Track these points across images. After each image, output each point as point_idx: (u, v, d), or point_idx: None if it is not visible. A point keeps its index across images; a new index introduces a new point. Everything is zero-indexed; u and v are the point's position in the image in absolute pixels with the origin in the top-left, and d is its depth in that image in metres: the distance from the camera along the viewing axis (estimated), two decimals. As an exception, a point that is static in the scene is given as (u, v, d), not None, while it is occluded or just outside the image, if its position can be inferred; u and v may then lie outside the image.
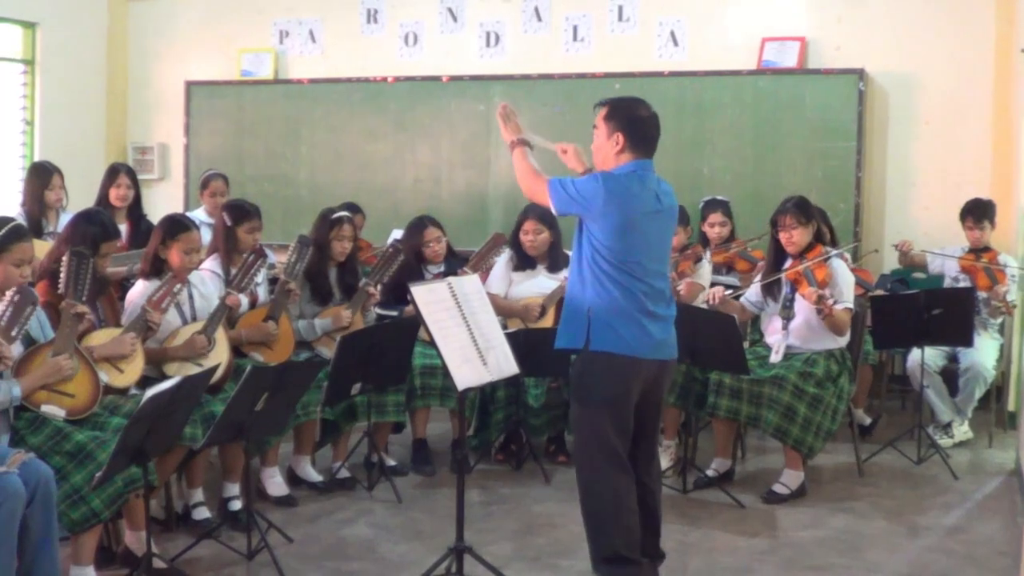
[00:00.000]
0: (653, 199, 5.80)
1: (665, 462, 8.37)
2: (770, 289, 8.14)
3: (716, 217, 9.59)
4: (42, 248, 7.07)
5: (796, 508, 7.74)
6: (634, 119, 5.84)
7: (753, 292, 8.33)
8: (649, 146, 5.87)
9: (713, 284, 8.74)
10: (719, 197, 9.90)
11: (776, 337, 8.08)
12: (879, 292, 9.40)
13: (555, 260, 8.82)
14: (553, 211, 5.92)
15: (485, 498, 7.93)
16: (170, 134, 13.36)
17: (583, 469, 5.97)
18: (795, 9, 11.24)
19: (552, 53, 11.94)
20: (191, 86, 13.14)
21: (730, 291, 8.43)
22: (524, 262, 8.83)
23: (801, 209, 8.00)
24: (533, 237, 8.72)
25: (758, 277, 8.35)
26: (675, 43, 11.59)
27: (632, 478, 5.90)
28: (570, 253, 8.40)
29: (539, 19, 12.03)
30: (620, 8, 11.75)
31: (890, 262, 10.70)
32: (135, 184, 9.38)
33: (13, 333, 5.57)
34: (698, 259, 8.81)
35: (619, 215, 5.69)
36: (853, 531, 7.32)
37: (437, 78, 12.23)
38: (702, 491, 7.99)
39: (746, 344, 8.23)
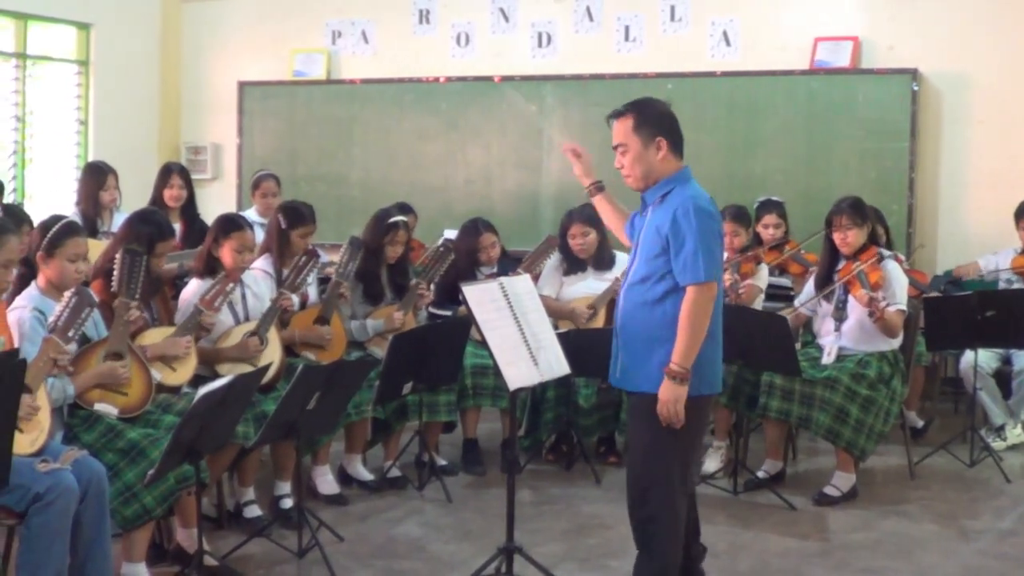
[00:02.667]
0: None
1: (716, 463, 8.37)
2: (822, 291, 8.11)
3: (771, 218, 9.53)
4: (96, 248, 7.12)
5: (847, 510, 7.70)
6: (666, 118, 5.59)
7: (805, 294, 8.30)
8: (682, 141, 5.65)
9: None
10: (774, 198, 9.85)
11: (828, 338, 8.05)
12: (934, 294, 9.34)
13: (603, 260, 8.80)
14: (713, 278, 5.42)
15: (535, 498, 7.93)
16: (223, 134, 13.41)
17: (657, 499, 5.60)
18: (848, 8, 11.19)
19: (604, 53, 11.93)
20: (244, 86, 13.19)
21: (786, 307, 8.42)
22: (574, 265, 8.82)
23: (856, 210, 7.96)
24: (581, 240, 8.70)
25: (811, 282, 8.31)
26: (727, 43, 11.56)
27: None
28: (618, 253, 8.46)
29: (591, 19, 12.02)
30: (672, 8, 11.72)
31: (943, 263, 10.64)
32: (188, 184, 9.43)
33: (70, 334, 5.60)
34: (759, 261, 8.75)
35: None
36: (904, 534, 7.28)
37: (489, 78, 12.24)
38: (753, 493, 7.96)
39: (798, 345, 8.19)
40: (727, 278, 8.36)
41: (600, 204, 6.11)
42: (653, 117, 5.54)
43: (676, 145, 5.57)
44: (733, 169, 11.23)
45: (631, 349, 5.58)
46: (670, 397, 5.33)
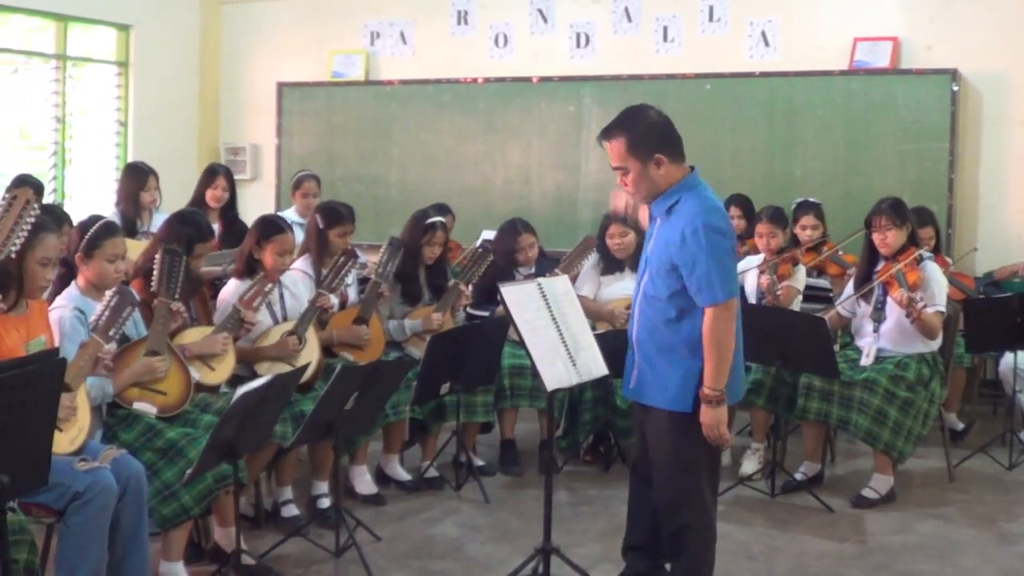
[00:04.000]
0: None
1: (753, 465, 8.34)
2: (861, 292, 8.08)
3: (808, 220, 9.48)
4: (136, 248, 7.15)
5: (885, 513, 7.68)
6: (659, 131, 5.41)
7: (844, 295, 8.28)
8: (682, 146, 5.47)
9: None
10: (811, 199, 9.81)
11: (867, 340, 8.03)
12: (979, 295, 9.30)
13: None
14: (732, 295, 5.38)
15: (573, 499, 7.93)
16: (262, 135, 13.47)
17: (689, 509, 5.61)
18: (887, 9, 11.14)
19: (642, 54, 11.93)
20: (283, 87, 13.25)
21: (825, 309, 8.40)
22: (612, 265, 8.80)
23: (896, 210, 7.93)
24: (620, 240, 8.67)
25: (850, 283, 8.28)
26: (766, 43, 11.54)
27: None
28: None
29: (629, 20, 12.01)
30: (711, 8, 11.71)
31: (983, 264, 10.59)
32: (231, 186, 9.46)
33: (111, 333, 5.63)
34: (795, 262, 8.71)
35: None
36: (943, 537, 7.26)
37: (527, 79, 12.25)
38: (790, 495, 7.94)
39: (836, 347, 8.16)
40: (764, 280, 8.35)
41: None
42: (645, 135, 5.39)
43: (675, 153, 5.42)
44: (772, 170, 11.22)
45: (649, 364, 5.57)
46: (711, 421, 5.32)
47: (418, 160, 12.71)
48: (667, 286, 5.40)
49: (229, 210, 9.43)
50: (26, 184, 6.22)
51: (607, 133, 5.45)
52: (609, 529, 7.30)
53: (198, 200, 9.32)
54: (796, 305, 8.57)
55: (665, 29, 11.89)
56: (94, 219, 6.26)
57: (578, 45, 12.24)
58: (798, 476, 8.10)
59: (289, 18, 13.38)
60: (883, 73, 11.03)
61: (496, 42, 12.54)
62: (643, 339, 5.58)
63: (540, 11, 12.34)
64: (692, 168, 5.50)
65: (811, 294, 8.97)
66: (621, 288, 8.71)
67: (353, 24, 13.08)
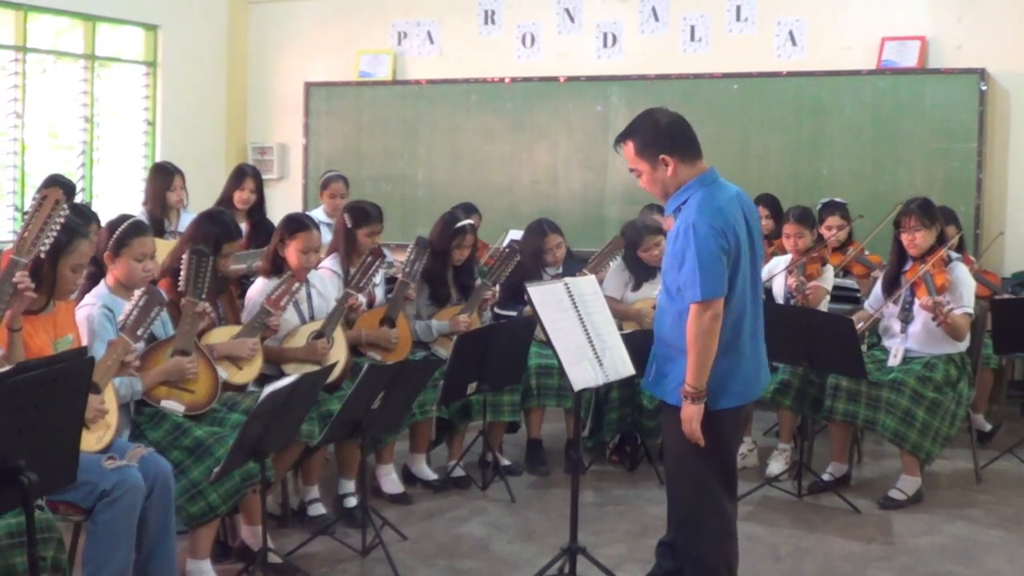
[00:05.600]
0: (743, 221, 5.42)
1: (780, 466, 8.33)
2: (890, 292, 8.06)
3: (834, 220, 9.46)
4: (164, 247, 7.17)
5: (912, 514, 7.66)
6: (665, 132, 5.38)
7: (874, 296, 8.26)
8: (696, 147, 5.42)
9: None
10: (837, 199, 9.79)
11: (895, 340, 8.01)
12: (1005, 296, 9.27)
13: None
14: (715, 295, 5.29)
15: (599, 499, 7.93)
16: (289, 134, 13.51)
17: (689, 506, 5.65)
18: (915, 8, 11.12)
19: (669, 53, 11.92)
20: (310, 87, 13.29)
21: (852, 309, 8.38)
22: (643, 274, 8.77)
23: (925, 211, 7.90)
24: (656, 251, 8.62)
25: (878, 283, 8.26)
26: (794, 43, 11.52)
27: None
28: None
29: (656, 19, 12.01)
30: (738, 8, 11.70)
31: (1011, 264, 10.56)
32: (259, 188, 9.46)
33: (139, 332, 5.65)
34: (824, 262, 8.69)
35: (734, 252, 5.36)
36: (970, 539, 7.24)
37: (554, 79, 12.26)
38: (817, 495, 7.92)
39: (864, 347, 8.14)
40: (792, 280, 8.34)
41: None
42: (651, 137, 5.37)
43: (687, 153, 5.37)
44: (799, 170, 11.21)
45: (659, 358, 5.57)
46: (686, 417, 5.31)
47: (445, 160, 12.73)
48: (673, 282, 5.39)
49: (257, 211, 9.44)
50: (57, 184, 6.23)
51: (620, 138, 5.47)
52: (635, 529, 7.30)
53: (225, 201, 9.33)
54: (824, 305, 8.55)
55: (692, 28, 11.88)
56: (123, 218, 6.27)
57: (605, 45, 12.24)
58: (825, 477, 8.08)
59: (317, 18, 13.42)
60: (911, 72, 11.00)
61: (523, 42, 12.55)
62: (656, 333, 5.60)
63: (567, 11, 12.34)
64: (710, 168, 5.46)
65: (838, 294, 8.97)
66: (649, 288, 8.69)
67: (380, 24, 13.11)
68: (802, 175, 11.20)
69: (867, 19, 11.23)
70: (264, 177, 9.76)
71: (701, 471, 5.47)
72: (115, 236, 6.07)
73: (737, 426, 5.58)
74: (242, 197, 9.33)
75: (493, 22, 12.67)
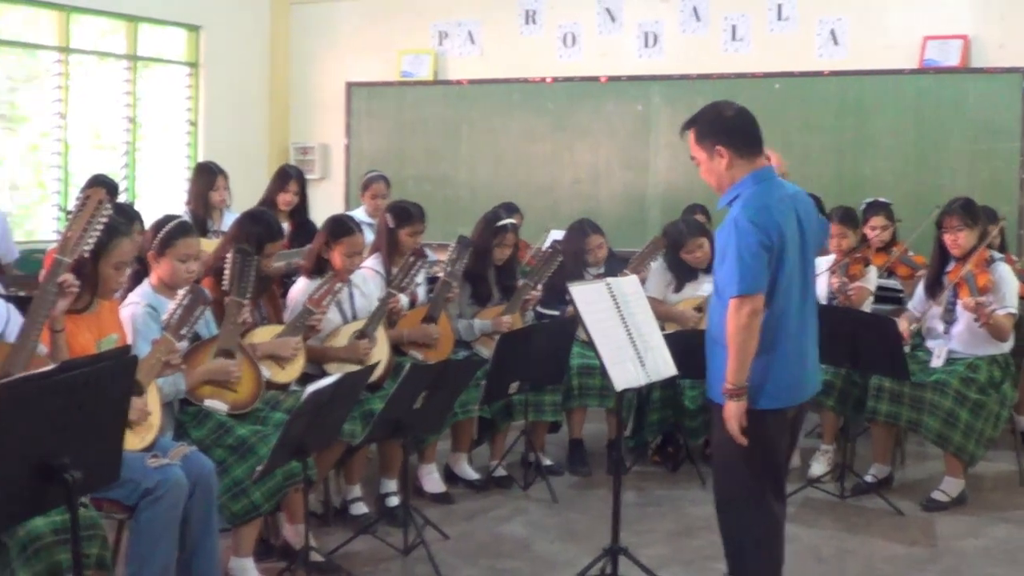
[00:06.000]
0: (794, 220, 5.38)
1: (823, 467, 8.30)
2: (932, 293, 8.02)
3: (878, 220, 9.42)
4: (207, 247, 7.19)
5: (956, 516, 7.62)
6: (725, 124, 5.39)
7: (916, 297, 8.22)
8: (755, 143, 5.41)
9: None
10: (881, 199, 9.74)
11: (938, 341, 7.97)
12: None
13: (713, 262, 8.72)
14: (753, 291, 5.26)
15: (641, 499, 7.92)
16: (331, 134, 13.56)
17: (734, 510, 5.64)
18: (957, 7, 11.05)
19: (711, 53, 11.89)
20: (352, 87, 13.33)
21: (896, 310, 8.34)
22: (686, 276, 8.75)
23: (968, 211, 7.87)
24: (699, 252, 8.61)
25: (921, 284, 8.23)
26: (835, 42, 11.47)
27: None
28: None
29: (698, 19, 11.99)
30: (779, 7, 11.66)
31: (1055, 265, 10.51)
32: (303, 190, 9.48)
33: (183, 331, 5.67)
34: (867, 263, 8.65)
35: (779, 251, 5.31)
36: (1014, 541, 7.19)
37: (595, 78, 12.25)
38: (860, 497, 7.89)
39: (907, 348, 8.10)
40: (835, 281, 8.31)
41: None
42: (711, 127, 5.38)
43: (744, 148, 5.36)
44: (842, 170, 11.17)
45: (710, 356, 5.54)
46: (726, 415, 5.29)
47: (486, 159, 12.75)
48: (718, 280, 5.39)
49: (299, 212, 9.46)
50: (100, 184, 6.26)
51: (685, 125, 5.48)
52: (677, 530, 7.29)
53: (268, 202, 9.35)
54: (867, 306, 8.51)
55: (734, 28, 11.86)
56: (168, 218, 6.30)
57: (646, 44, 12.22)
58: (868, 478, 8.05)
59: (358, 18, 13.45)
60: (953, 72, 10.94)
61: (564, 42, 12.54)
62: (708, 332, 5.58)
63: (608, 10, 12.33)
64: (768, 165, 5.44)
65: (882, 295, 8.92)
66: (691, 289, 8.68)
67: (421, 24, 13.13)
68: (844, 175, 11.16)
69: (909, 18, 11.17)
70: (306, 177, 9.77)
71: (747, 472, 5.44)
72: (160, 236, 6.10)
73: (782, 429, 5.51)
74: (285, 199, 9.35)
75: (534, 22, 12.67)
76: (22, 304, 5.24)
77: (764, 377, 5.30)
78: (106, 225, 5.10)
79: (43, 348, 4.98)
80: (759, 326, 5.19)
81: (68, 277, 4.93)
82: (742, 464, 5.42)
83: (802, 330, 5.45)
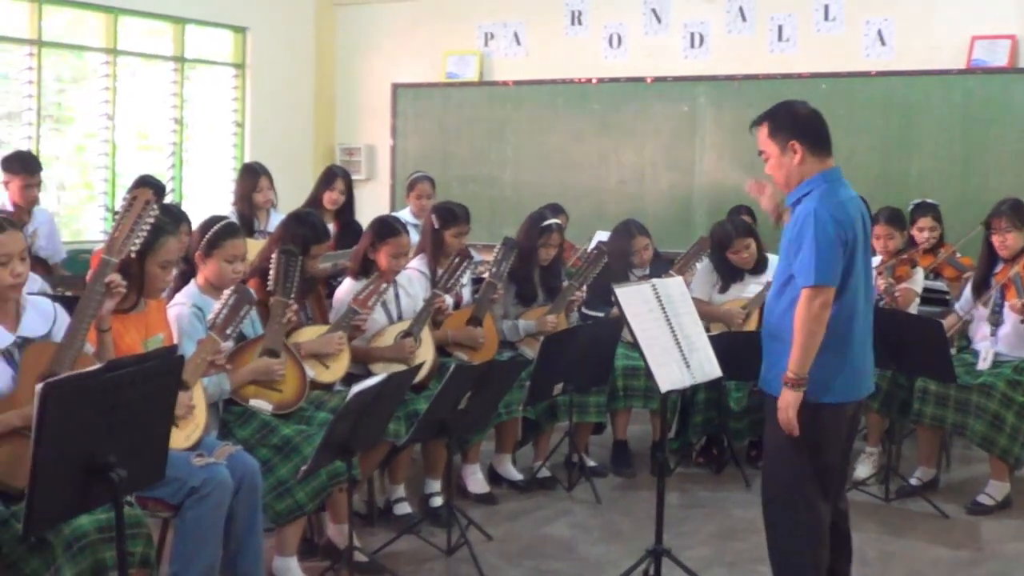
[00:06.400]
0: (860, 221, 5.44)
1: (868, 469, 8.27)
2: (979, 294, 7.98)
3: (926, 222, 9.37)
4: (253, 247, 7.23)
5: (1001, 520, 7.58)
6: (800, 119, 5.45)
7: (963, 299, 8.18)
8: (826, 143, 5.47)
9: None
10: (929, 200, 9.70)
11: (984, 343, 7.92)
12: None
13: (759, 263, 8.71)
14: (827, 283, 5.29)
15: (684, 501, 7.91)
16: (377, 135, 13.59)
17: (780, 505, 5.62)
18: (1005, 6, 10.97)
19: (757, 53, 11.86)
20: (397, 88, 13.36)
21: (943, 312, 8.31)
22: (731, 276, 8.74)
23: (1017, 212, 7.81)
24: (745, 253, 8.59)
25: (968, 286, 8.18)
26: (882, 42, 11.43)
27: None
28: (771, 256, 8.36)
29: (744, 19, 11.95)
30: (826, 7, 11.62)
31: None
32: (349, 189, 9.49)
33: (229, 331, 5.70)
34: (913, 264, 8.61)
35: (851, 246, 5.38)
36: (1061, 545, 7.16)
37: (641, 79, 12.24)
38: (905, 500, 7.86)
39: (953, 350, 8.06)
40: (881, 282, 8.26)
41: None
42: (785, 122, 5.43)
43: (816, 146, 5.41)
44: (888, 171, 11.12)
45: (766, 350, 5.55)
46: (783, 404, 5.29)
47: (532, 160, 12.75)
48: (784, 271, 5.41)
49: (345, 212, 9.48)
50: (147, 185, 6.29)
51: (756, 120, 5.53)
52: (721, 532, 7.28)
53: (315, 201, 9.38)
54: (913, 308, 8.47)
55: (780, 28, 11.82)
56: (216, 219, 6.34)
57: (692, 45, 12.20)
58: (913, 481, 8.01)
59: (403, 20, 13.48)
60: (1001, 72, 10.88)
61: (610, 42, 12.53)
62: (764, 327, 5.59)
63: (654, 11, 12.31)
64: (836, 166, 5.48)
65: (928, 296, 8.87)
66: (736, 290, 8.66)
67: (467, 25, 13.14)
68: (891, 176, 11.11)
69: (956, 18, 11.10)
70: (352, 178, 9.79)
71: (797, 468, 5.44)
72: (208, 237, 6.14)
73: (839, 424, 5.52)
74: (332, 198, 9.37)
75: (580, 23, 12.66)
76: (69, 304, 5.27)
77: (831, 372, 5.33)
78: (153, 225, 5.14)
79: (90, 347, 5.01)
80: (828, 319, 5.22)
81: (115, 277, 4.97)
82: (792, 460, 5.43)
83: (865, 329, 5.49)
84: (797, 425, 5.26)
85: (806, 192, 5.38)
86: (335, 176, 9.50)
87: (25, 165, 8.92)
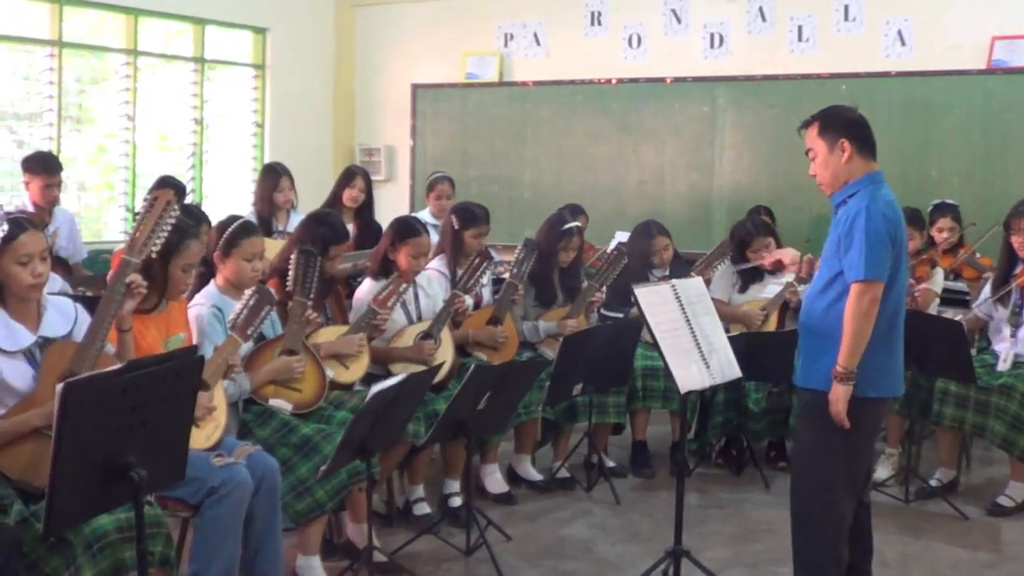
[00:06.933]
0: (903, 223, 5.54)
1: (887, 471, 8.27)
2: (999, 295, 7.96)
3: (945, 222, 9.37)
4: (273, 248, 7.24)
5: (1021, 522, 7.56)
6: (850, 121, 5.59)
7: (982, 300, 8.16)
8: (873, 146, 5.59)
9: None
10: (948, 201, 9.68)
11: (1004, 345, 7.90)
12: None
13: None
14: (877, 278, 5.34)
15: (704, 502, 7.91)
16: (396, 136, 13.59)
17: (814, 499, 5.64)
18: (1027, 6, 10.96)
19: (777, 54, 11.83)
20: (417, 89, 13.35)
21: (962, 312, 8.29)
22: (751, 277, 8.71)
23: (1037, 213, 7.82)
24: (767, 252, 8.55)
25: (987, 286, 8.16)
26: (902, 42, 11.39)
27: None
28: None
29: (763, 19, 11.93)
30: (846, 7, 11.59)
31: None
32: (368, 188, 9.54)
33: (249, 331, 5.73)
34: (933, 264, 8.60)
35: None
36: (1082, 546, 7.14)
37: (661, 80, 12.22)
38: (925, 501, 7.85)
39: (973, 351, 8.04)
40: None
41: None
42: (836, 121, 5.56)
43: (864, 148, 5.53)
44: (908, 171, 11.07)
45: (806, 347, 5.58)
46: (834, 397, 5.35)
47: (551, 161, 12.74)
48: (829, 268, 5.48)
49: (364, 212, 9.50)
50: (168, 186, 6.31)
51: (806, 121, 5.66)
52: (740, 533, 7.28)
53: (335, 200, 9.41)
54: (933, 308, 8.46)
55: (800, 28, 11.79)
56: (232, 219, 6.36)
57: (712, 45, 12.17)
58: (933, 482, 8.00)
59: (423, 20, 13.47)
60: (1022, 72, 10.83)
61: (629, 43, 12.52)
62: (804, 322, 5.63)
63: (673, 11, 12.30)
64: (880, 171, 5.55)
65: (948, 297, 8.85)
66: (757, 289, 8.64)
67: (487, 26, 13.14)
68: (911, 177, 11.06)
69: (977, 18, 11.06)
70: (372, 178, 9.81)
71: (827, 468, 5.48)
72: (225, 236, 6.16)
73: (877, 420, 5.61)
74: (352, 195, 9.40)
75: (599, 23, 12.65)
76: (90, 304, 5.29)
77: (877, 369, 5.41)
78: (176, 227, 5.18)
79: (111, 347, 5.03)
80: (875, 315, 5.30)
81: (136, 278, 4.99)
82: (826, 458, 5.49)
83: (902, 330, 5.58)
84: (847, 419, 5.32)
85: (852, 193, 5.47)
86: (354, 174, 9.54)
87: (45, 165, 8.94)
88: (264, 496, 5.51)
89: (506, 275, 8.08)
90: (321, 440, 5.94)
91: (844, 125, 5.54)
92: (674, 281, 6.13)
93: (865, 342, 5.29)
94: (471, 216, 8.11)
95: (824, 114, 5.62)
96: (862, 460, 5.63)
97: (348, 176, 9.55)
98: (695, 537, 6.87)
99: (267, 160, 12.13)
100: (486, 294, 8.35)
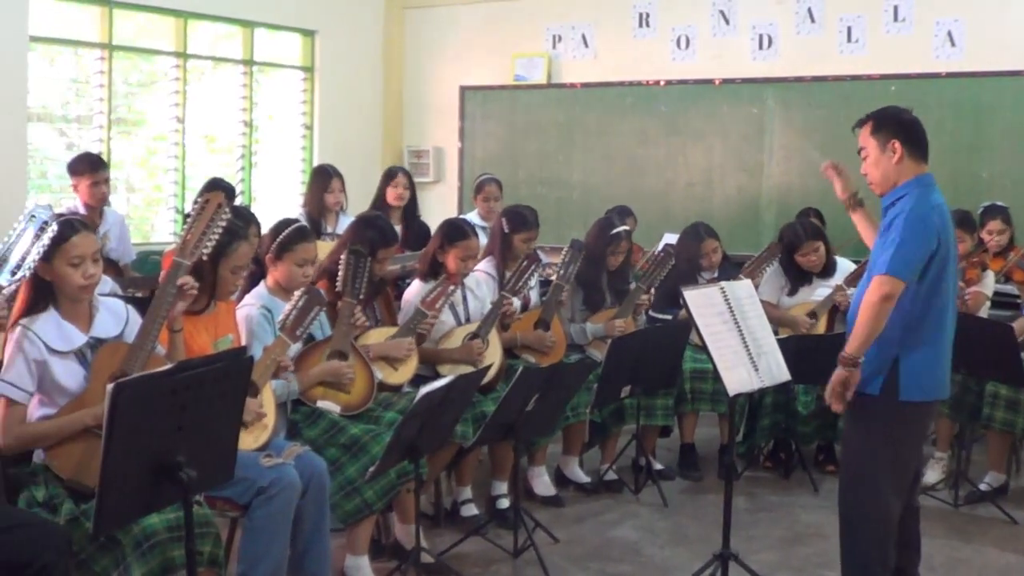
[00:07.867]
0: (950, 226, 5.53)
1: (937, 475, 8.22)
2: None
3: (995, 224, 9.30)
4: (322, 249, 7.26)
5: (1073, 525, 7.52)
6: (903, 122, 5.59)
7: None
8: (925, 149, 5.58)
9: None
10: (998, 203, 9.62)
11: (1056, 348, 7.86)
12: None
13: (827, 267, 8.66)
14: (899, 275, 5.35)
15: (752, 505, 7.89)
16: (445, 138, 13.61)
17: (858, 501, 5.65)
18: (1079, 6, 10.88)
19: (826, 55, 11.78)
20: (465, 91, 13.36)
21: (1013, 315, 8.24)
22: (800, 280, 8.68)
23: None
24: (814, 256, 8.53)
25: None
26: (952, 43, 11.33)
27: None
28: (840, 259, 8.32)
29: (812, 20, 11.89)
30: (895, 8, 11.54)
31: None
32: (411, 186, 9.56)
33: (298, 332, 5.75)
34: (984, 267, 8.55)
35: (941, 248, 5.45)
36: None
37: (709, 81, 12.19)
38: (974, 505, 7.81)
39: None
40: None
41: (858, 219, 6.06)
42: (889, 122, 5.56)
43: (915, 150, 5.53)
44: (958, 173, 11.00)
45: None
46: (834, 379, 5.41)
47: (600, 163, 12.73)
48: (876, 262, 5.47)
49: (410, 211, 9.53)
50: (218, 188, 6.34)
51: (860, 120, 5.67)
52: (788, 536, 7.26)
53: (380, 201, 9.43)
54: (984, 312, 8.40)
55: (849, 30, 11.75)
56: (287, 222, 6.38)
57: (760, 47, 12.14)
58: (982, 487, 7.96)
59: (471, 22, 13.49)
60: (1073, 73, 10.78)
61: (678, 44, 12.50)
62: (850, 325, 5.57)
63: (722, 12, 12.27)
64: (930, 174, 5.55)
65: (999, 300, 8.80)
66: (807, 292, 8.60)
67: (535, 28, 13.14)
68: (961, 179, 11.00)
69: (1028, 19, 11.02)
70: (420, 180, 9.86)
71: (875, 470, 5.48)
72: (279, 240, 6.19)
73: (924, 423, 5.64)
74: (396, 193, 9.43)
75: (648, 25, 12.64)
76: (139, 305, 5.32)
77: (922, 370, 5.43)
78: (226, 229, 5.19)
79: (161, 348, 5.06)
80: (889, 312, 5.29)
81: (188, 279, 5.02)
82: (877, 454, 5.48)
83: (951, 334, 5.56)
84: (839, 404, 5.41)
85: (901, 195, 5.46)
86: (394, 174, 9.59)
87: (90, 164, 9.02)
88: (313, 497, 5.53)
89: (553, 277, 8.07)
90: (370, 441, 5.95)
91: (897, 126, 5.54)
92: (723, 283, 6.12)
93: (874, 334, 5.31)
94: (522, 220, 8.12)
95: (878, 114, 5.61)
96: (909, 463, 5.62)
97: (389, 176, 9.59)
98: (743, 540, 6.84)
99: (316, 162, 12.19)
100: (534, 296, 8.35)
